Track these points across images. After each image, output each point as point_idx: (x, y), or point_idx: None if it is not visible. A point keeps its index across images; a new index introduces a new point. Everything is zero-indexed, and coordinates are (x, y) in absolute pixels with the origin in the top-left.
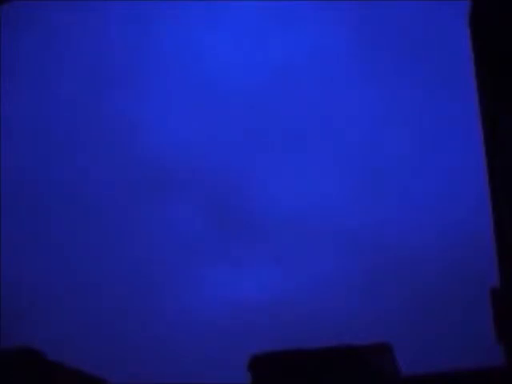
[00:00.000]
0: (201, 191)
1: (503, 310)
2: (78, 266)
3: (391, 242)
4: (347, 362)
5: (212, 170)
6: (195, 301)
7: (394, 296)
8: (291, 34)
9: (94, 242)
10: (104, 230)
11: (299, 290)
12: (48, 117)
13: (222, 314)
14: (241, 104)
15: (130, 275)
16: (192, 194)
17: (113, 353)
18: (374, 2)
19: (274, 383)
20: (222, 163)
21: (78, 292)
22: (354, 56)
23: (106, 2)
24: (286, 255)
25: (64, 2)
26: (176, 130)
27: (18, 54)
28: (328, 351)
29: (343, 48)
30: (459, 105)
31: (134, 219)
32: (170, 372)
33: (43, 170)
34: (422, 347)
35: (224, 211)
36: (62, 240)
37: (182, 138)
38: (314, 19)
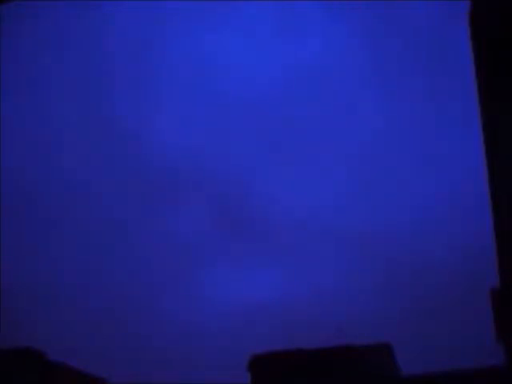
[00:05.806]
0: (202, 192)
1: (503, 310)
2: (79, 266)
3: (392, 243)
4: (347, 362)
5: (213, 170)
6: (195, 301)
7: (395, 296)
8: (298, 37)
9: (95, 242)
10: (104, 231)
11: (300, 290)
12: (49, 117)
13: (223, 315)
14: (242, 105)
15: (130, 275)
16: (193, 194)
17: (113, 353)
18: (376, 2)
19: (273, 383)
20: (222, 164)
21: (78, 292)
22: (357, 57)
23: (107, 2)
24: (287, 256)
25: (65, 3)
26: (178, 132)
27: (18, 53)
28: (328, 351)
29: (346, 49)
30: (459, 105)
31: (135, 220)
32: (169, 372)
33: (44, 170)
34: (422, 347)
35: (225, 212)
36: (62, 240)
37: (183, 139)
38: (319, 22)
